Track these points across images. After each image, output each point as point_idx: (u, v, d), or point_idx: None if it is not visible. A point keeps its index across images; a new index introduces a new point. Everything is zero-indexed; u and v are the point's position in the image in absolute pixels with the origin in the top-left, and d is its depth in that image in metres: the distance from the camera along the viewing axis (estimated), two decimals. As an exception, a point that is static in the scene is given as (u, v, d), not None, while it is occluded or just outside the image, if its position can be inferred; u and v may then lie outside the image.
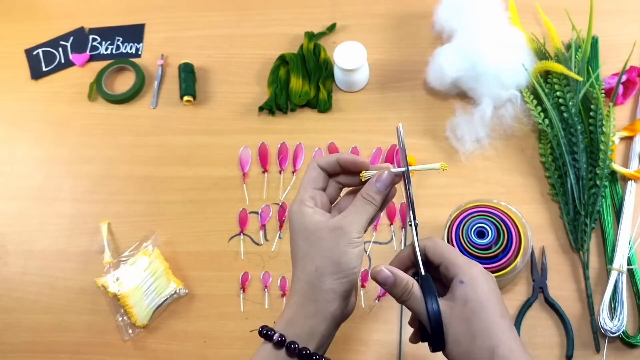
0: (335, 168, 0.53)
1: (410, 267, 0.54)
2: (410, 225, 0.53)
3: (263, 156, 0.85)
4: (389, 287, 0.50)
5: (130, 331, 0.76)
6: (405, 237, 0.78)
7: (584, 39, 0.81)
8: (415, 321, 0.54)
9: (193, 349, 0.75)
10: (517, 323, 0.70)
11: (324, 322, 0.50)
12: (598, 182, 0.74)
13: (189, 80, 0.91)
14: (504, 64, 0.80)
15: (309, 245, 0.50)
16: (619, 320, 0.68)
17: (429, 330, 0.48)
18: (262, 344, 0.50)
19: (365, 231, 0.51)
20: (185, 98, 0.90)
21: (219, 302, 0.77)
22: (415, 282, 0.50)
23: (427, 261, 0.52)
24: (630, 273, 0.71)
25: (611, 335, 0.67)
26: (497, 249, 0.69)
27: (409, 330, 0.71)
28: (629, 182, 0.76)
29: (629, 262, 0.71)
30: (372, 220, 0.53)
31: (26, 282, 0.81)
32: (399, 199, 0.80)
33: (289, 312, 0.50)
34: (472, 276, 0.48)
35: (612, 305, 0.69)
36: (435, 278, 0.51)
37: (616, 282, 0.70)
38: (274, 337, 0.49)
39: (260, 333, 0.50)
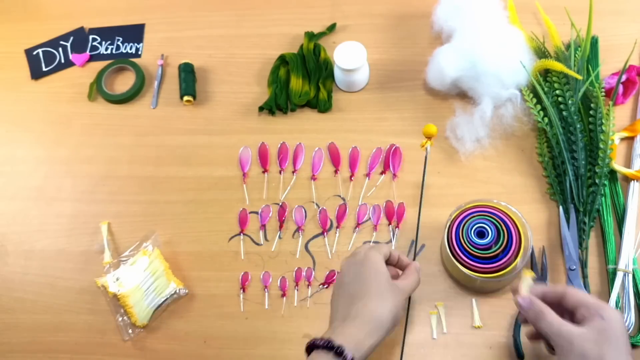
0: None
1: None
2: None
3: (263, 156, 0.85)
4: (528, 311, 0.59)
5: (130, 331, 0.76)
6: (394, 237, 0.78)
7: (584, 38, 0.81)
8: (536, 337, 0.63)
9: (193, 349, 0.75)
10: (518, 324, 0.70)
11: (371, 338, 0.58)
12: (597, 181, 0.75)
13: (189, 80, 0.91)
14: (504, 63, 0.80)
15: (371, 279, 0.61)
16: (627, 321, 0.68)
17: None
18: (316, 352, 0.56)
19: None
20: (185, 98, 0.90)
21: (219, 302, 0.77)
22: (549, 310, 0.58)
23: (559, 305, 0.58)
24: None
25: None
26: (497, 249, 0.69)
27: (410, 330, 0.72)
28: (632, 183, 0.76)
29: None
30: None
31: (26, 282, 0.81)
32: (398, 199, 0.80)
33: (339, 325, 0.59)
34: (612, 316, 0.55)
35: (618, 306, 0.69)
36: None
37: (622, 282, 0.70)
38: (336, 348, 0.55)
39: (316, 345, 0.56)
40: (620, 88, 0.81)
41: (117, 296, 0.76)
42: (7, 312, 0.80)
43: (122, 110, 0.92)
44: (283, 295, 0.76)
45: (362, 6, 0.96)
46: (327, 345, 0.55)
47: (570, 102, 0.78)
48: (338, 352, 0.55)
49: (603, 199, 0.75)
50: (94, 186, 0.87)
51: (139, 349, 0.75)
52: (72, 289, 0.80)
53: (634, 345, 0.68)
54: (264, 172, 0.84)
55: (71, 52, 0.98)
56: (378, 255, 0.63)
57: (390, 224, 0.79)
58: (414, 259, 0.74)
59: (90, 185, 0.87)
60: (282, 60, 0.92)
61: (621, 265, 0.71)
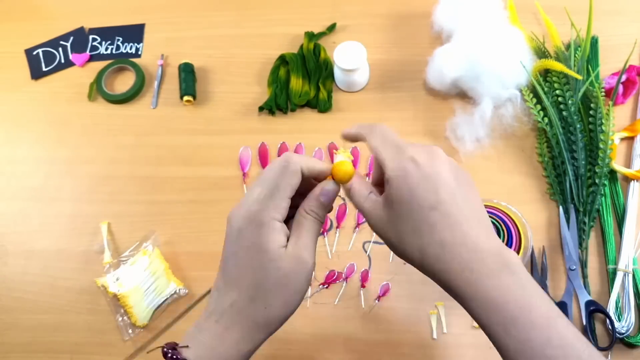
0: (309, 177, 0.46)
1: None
2: None
3: (263, 156, 0.85)
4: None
5: (130, 331, 0.76)
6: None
7: (584, 38, 0.81)
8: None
9: (193, 349, 0.75)
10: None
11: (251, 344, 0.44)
12: (597, 181, 0.75)
13: (189, 80, 0.91)
14: (504, 63, 0.80)
15: (256, 269, 0.43)
16: (626, 321, 0.68)
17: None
18: None
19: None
20: (185, 98, 0.90)
21: (219, 302, 0.77)
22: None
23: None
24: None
25: (619, 336, 0.67)
26: (497, 248, 0.69)
27: (410, 330, 0.72)
28: (632, 183, 0.76)
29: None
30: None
31: (26, 282, 0.81)
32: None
33: (209, 337, 0.43)
34: (395, 171, 0.43)
35: (617, 306, 0.69)
36: None
37: (622, 282, 0.70)
38: None
39: (165, 355, 0.42)
40: (620, 88, 0.81)
41: (117, 296, 0.76)
42: (7, 312, 0.80)
43: (122, 110, 0.92)
44: (283, 295, 0.76)
45: (362, 6, 0.96)
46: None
47: (570, 102, 0.78)
48: None
49: (603, 199, 0.75)
50: (94, 186, 0.87)
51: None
52: (72, 289, 0.80)
53: (633, 345, 0.68)
54: (264, 172, 0.84)
55: (71, 52, 0.98)
56: (276, 225, 0.43)
57: (390, 224, 0.79)
58: None
59: (90, 185, 0.87)
60: (282, 60, 0.92)
61: (621, 265, 0.71)
